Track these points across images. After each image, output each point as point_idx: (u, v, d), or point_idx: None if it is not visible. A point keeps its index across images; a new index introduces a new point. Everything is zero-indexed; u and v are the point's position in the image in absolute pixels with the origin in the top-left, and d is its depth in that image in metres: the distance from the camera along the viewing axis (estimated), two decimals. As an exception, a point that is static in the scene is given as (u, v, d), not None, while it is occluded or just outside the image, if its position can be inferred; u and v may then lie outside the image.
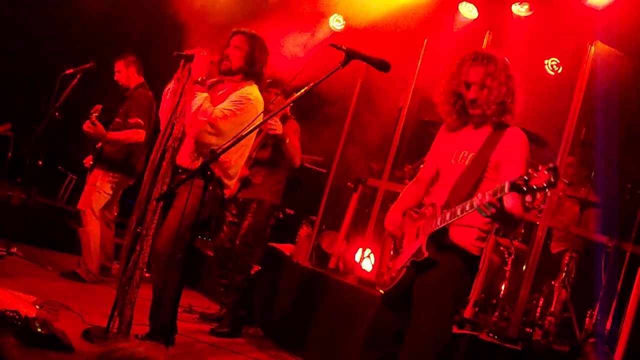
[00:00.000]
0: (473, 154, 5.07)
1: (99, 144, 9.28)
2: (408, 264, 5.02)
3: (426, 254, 4.88)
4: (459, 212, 4.69)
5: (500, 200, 4.35)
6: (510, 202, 4.41)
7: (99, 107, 9.01)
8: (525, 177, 4.16)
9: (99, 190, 9.22)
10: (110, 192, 9.34)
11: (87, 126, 8.96)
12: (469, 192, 4.90)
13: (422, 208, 5.21)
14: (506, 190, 4.26)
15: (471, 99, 5.05)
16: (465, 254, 5.03)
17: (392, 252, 5.31)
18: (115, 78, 9.56)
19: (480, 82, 5.01)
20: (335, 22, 11.54)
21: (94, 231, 9.19)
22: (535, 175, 4.12)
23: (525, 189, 4.17)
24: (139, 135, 9.26)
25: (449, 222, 4.78)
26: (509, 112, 5.06)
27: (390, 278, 5.17)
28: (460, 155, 5.13)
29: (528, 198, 4.21)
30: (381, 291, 5.29)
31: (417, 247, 4.96)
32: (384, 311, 5.32)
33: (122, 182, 9.48)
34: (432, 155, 5.51)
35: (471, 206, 4.57)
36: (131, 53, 9.69)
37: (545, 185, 4.09)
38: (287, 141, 8.38)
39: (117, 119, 9.37)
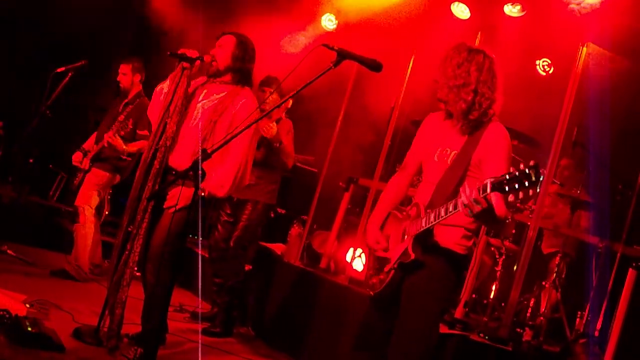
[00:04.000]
0: (456, 152, 5.05)
1: (88, 147, 9.33)
2: (396, 265, 5.02)
3: (413, 256, 4.88)
4: (443, 213, 4.66)
5: (486, 198, 4.33)
6: (493, 200, 4.38)
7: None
8: (507, 177, 4.14)
9: (101, 190, 9.28)
10: (108, 192, 9.43)
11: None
12: (452, 192, 4.89)
13: (407, 206, 5.20)
14: (488, 190, 4.23)
15: (463, 98, 5.05)
16: (451, 254, 5.02)
17: (378, 255, 5.29)
18: (119, 79, 9.57)
19: (474, 87, 5.01)
20: (328, 22, 11.55)
21: (90, 229, 9.22)
22: (517, 173, 4.10)
23: (507, 188, 4.14)
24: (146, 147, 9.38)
25: (434, 223, 4.76)
26: (492, 114, 5.05)
27: (379, 280, 5.17)
28: (443, 153, 5.12)
29: (511, 198, 4.19)
30: (371, 293, 5.28)
31: (403, 249, 4.95)
32: (374, 313, 5.33)
33: (114, 181, 9.54)
34: (416, 149, 5.48)
35: (455, 207, 4.55)
36: (139, 59, 9.71)
37: (527, 184, 4.07)
38: (280, 144, 8.39)
39: (128, 127, 9.39)
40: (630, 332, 7.07)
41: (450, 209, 4.59)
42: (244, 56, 6.73)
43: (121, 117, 9.41)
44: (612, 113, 8.79)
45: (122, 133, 9.13)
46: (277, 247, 10.33)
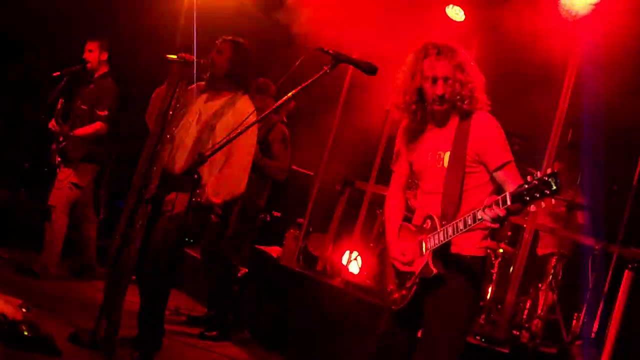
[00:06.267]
0: (448, 152, 4.94)
1: (62, 138, 9.24)
2: (417, 280, 4.88)
3: (435, 271, 4.74)
4: (461, 227, 4.56)
5: (507, 208, 4.28)
6: (513, 208, 4.33)
7: (62, 101, 8.99)
8: (526, 186, 4.07)
9: (70, 187, 9.20)
10: (82, 186, 9.31)
11: (52, 125, 8.99)
12: (459, 196, 4.84)
13: (416, 218, 5.12)
14: (508, 202, 4.18)
15: (439, 94, 4.89)
16: (473, 261, 4.92)
17: (398, 269, 5.14)
18: (85, 56, 9.46)
19: (450, 76, 4.88)
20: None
21: (61, 228, 9.17)
22: (536, 182, 4.05)
23: (527, 198, 4.08)
24: (103, 128, 9.25)
25: (453, 236, 4.65)
26: (477, 99, 4.92)
27: (401, 296, 5.02)
28: (436, 157, 5.02)
29: (532, 208, 4.14)
30: (393, 308, 5.14)
31: (423, 264, 4.82)
32: (394, 326, 5.17)
33: (91, 172, 9.46)
34: (401, 162, 5.39)
35: (474, 220, 4.46)
36: (106, 37, 9.65)
37: (548, 193, 4.00)
38: (263, 164, 8.42)
39: (82, 106, 9.33)
40: (626, 334, 7.07)
41: (470, 222, 4.50)
42: (242, 62, 6.74)
43: (78, 102, 9.38)
44: (607, 114, 8.78)
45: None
46: (274, 250, 10.32)
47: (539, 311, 8.31)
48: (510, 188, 4.46)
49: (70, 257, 9.70)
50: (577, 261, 8.71)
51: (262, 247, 10.24)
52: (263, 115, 5.71)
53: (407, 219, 5.27)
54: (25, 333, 5.75)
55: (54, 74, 9.11)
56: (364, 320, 7.47)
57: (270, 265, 9.54)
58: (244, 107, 6.58)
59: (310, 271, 9.43)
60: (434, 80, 4.92)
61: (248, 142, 6.51)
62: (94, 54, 9.46)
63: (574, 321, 8.02)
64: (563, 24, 8.44)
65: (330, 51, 4.94)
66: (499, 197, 4.28)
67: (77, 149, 9.21)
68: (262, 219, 9.43)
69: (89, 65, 9.44)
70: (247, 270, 9.34)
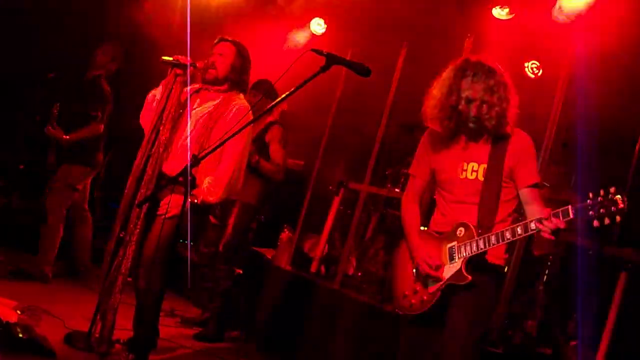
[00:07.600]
0: (484, 165, 5.03)
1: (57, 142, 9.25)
2: (444, 287, 4.95)
3: (469, 279, 4.83)
4: (509, 236, 4.68)
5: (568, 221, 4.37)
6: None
7: (57, 105, 8.98)
8: (590, 202, 4.22)
9: (66, 189, 9.19)
10: (77, 188, 9.31)
11: (48, 129, 8.98)
12: (496, 208, 4.94)
13: (439, 225, 5.18)
14: (571, 215, 4.34)
15: (474, 115, 4.99)
16: (499, 270, 5.06)
17: (415, 273, 5.17)
18: (96, 52, 9.52)
19: (482, 99, 4.97)
20: (317, 26, 11.51)
21: (57, 230, 9.16)
22: (601, 199, 4.17)
23: (591, 213, 4.24)
24: (98, 129, 9.24)
25: (495, 245, 4.77)
26: (507, 123, 5.01)
27: (420, 301, 5.05)
28: (469, 168, 5.09)
29: (596, 223, 4.19)
30: (408, 314, 5.17)
31: (455, 271, 4.90)
32: (416, 333, 5.23)
33: (87, 174, 9.45)
34: (423, 168, 5.38)
35: (525, 229, 4.59)
36: (125, 52, 9.64)
37: (614, 210, 4.14)
38: (257, 164, 8.42)
39: (76, 109, 9.31)
40: (621, 335, 7.08)
41: (520, 232, 4.62)
42: (242, 65, 6.75)
43: (72, 106, 9.37)
44: (602, 114, 8.79)
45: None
46: (268, 252, 10.32)
47: (534, 312, 8.31)
48: (533, 208, 4.79)
49: (65, 259, 9.68)
50: (572, 262, 8.71)
51: (257, 249, 10.24)
52: (258, 116, 5.72)
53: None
54: (20, 335, 5.76)
55: (49, 75, 9.11)
56: (359, 321, 7.48)
57: (265, 267, 9.53)
58: (241, 108, 6.57)
59: (305, 272, 9.42)
60: (469, 101, 5.02)
61: (243, 142, 6.50)
62: (104, 58, 9.45)
63: (569, 322, 8.02)
64: (558, 23, 8.44)
65: (324, 52, 4.94)
66: (559, 210, 4.40)
67: (72, 151, 9.21)
68: (256, 220, 9.42)
69: (93, 62, 9.42)
70: (242, 271, 9.33)
